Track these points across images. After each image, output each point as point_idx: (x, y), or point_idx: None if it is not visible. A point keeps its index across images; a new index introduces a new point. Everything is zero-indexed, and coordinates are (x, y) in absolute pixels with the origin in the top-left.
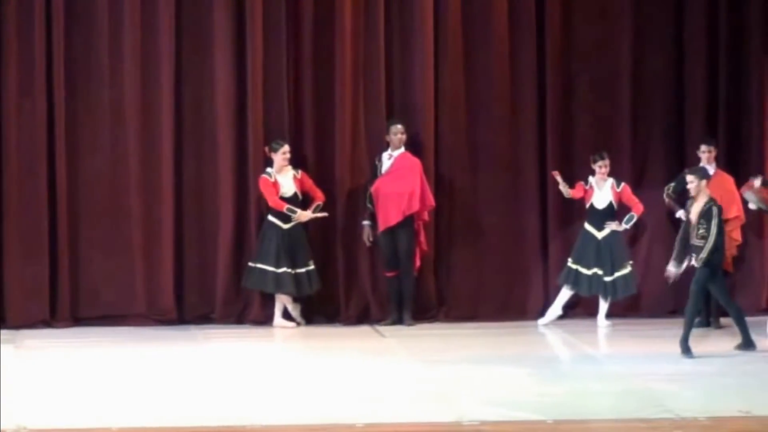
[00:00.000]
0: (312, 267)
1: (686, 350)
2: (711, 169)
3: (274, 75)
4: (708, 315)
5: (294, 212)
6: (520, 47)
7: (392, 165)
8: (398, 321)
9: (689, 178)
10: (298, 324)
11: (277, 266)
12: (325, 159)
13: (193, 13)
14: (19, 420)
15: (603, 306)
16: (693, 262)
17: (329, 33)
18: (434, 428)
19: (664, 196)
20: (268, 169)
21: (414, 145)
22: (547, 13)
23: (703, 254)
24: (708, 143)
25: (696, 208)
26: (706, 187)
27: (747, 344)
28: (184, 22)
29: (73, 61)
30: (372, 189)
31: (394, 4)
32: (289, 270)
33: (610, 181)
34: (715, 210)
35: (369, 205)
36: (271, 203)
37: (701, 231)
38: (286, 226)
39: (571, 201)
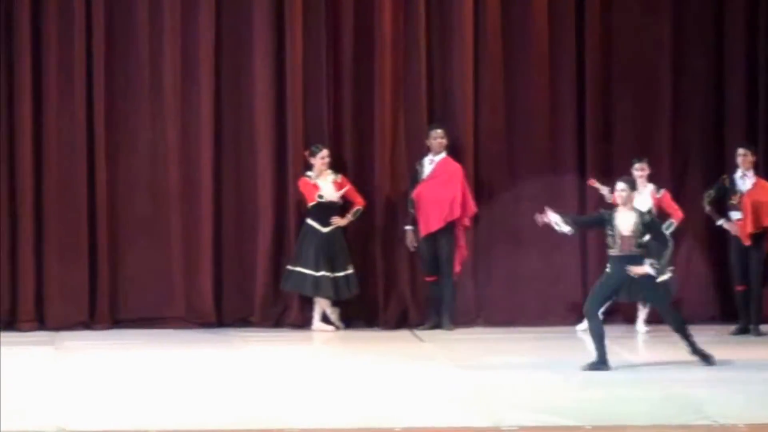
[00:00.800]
0: (351, 271)
1: (705, 357)
2: (750, 176)
3: (313, 79)
4: (747, 322)
5: (321, 197)
6: (560, 51)
7: (434, 170)
8: (437, 326)
9: (620, 186)
10: (337, 328)
11: (316, 270)
12: (365, 163)
13: (233, 17)
14: (58, 422)
15: (642, 312)
16: (634, 272)
17: (369, 37)
18: None
19: (703, 204)
20: (308, 173)
21: (454, 149)
22: (587, 17)
23: (664, 260)
24: (745, 147)
25: (628, 219)
26: (633, 200)
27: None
28: (224, 26)
29: (113, 62)
30: (414, 194)
31: (434, 9)
32: (328, 274)
33: (650, 187)
34: (656, 219)
35: (411, 210)
36: (310, 201)
37: (640, 240)
38: (325, 230)
39: (610, 206)
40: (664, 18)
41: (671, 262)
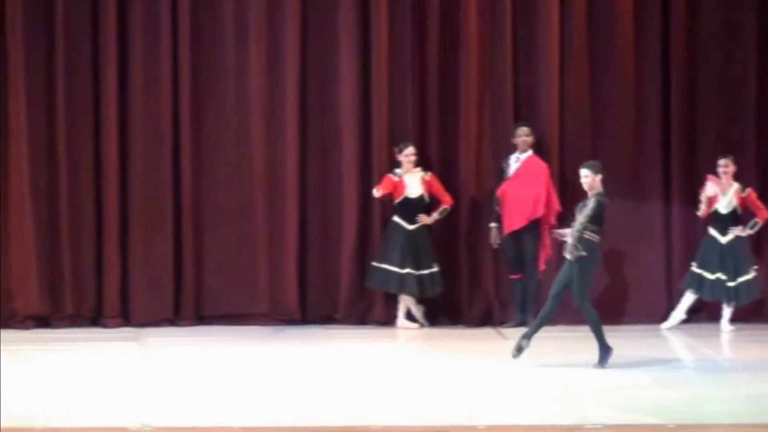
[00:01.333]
0: (436, 269)
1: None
2: None
3: (398, 77)
4: None
5: (375, 193)
6: (645, 49)
7: (519, 168)
8: (521, 323)
9: (583, 172)
10: (421, 325)
11: (402, 267)
12: (450, 161)
13: (319, 13)
14: (142, 418)
15: (726, 311)
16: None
17: (455, 34)
18: (556, 431)
19: None
20: (397, 170)
21: (540, 148)
22: (672, 15)
23: (572, 242)
24: None
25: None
26: (600, 183)
27: (603, 356)
28: (310, 22)
29: (198, 60)
30: (498, 192)
31: (519, 6)
32: (413, 271)
33: (735, 185)
34: (591, 202)
35: (496, 208)
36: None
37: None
38: (411, 227)
39: (695, 205)
40: (749, 17)
41: (588, 246)
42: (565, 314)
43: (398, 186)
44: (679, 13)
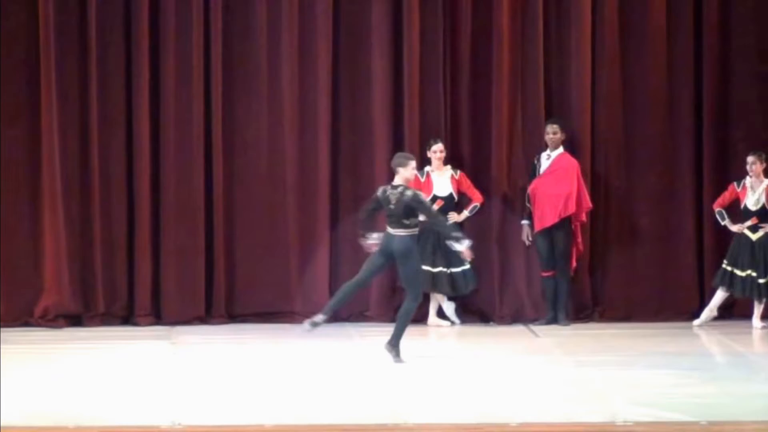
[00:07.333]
0: (468, 267)
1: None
2: None
3: (431, 74)
4: None
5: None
6: (677, 47)
7: (550, 165)
8: (553, 321)
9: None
10: (453, 323)
11: (434, 266)
12: (482, 158)
13: (351, 12)
14: (173, 416)
15: (757, 308)
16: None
17: (487, 33)
18: (587, 428)
19: None
20: (426, 167)
21: (571, 145)
22: (705, 13)
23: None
24: None
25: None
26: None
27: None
28: (342, 21)
29: (230, 58)
30: (530, 189)
31: (552, 4)
32: (445, 269)
33: (766, 182)
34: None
35: (528, 205)
36: None
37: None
38: None
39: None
40: None
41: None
42: (596, 310)
43: (425, 185)
44: (711, 11)
